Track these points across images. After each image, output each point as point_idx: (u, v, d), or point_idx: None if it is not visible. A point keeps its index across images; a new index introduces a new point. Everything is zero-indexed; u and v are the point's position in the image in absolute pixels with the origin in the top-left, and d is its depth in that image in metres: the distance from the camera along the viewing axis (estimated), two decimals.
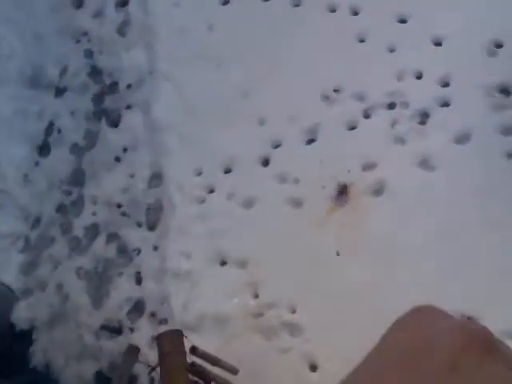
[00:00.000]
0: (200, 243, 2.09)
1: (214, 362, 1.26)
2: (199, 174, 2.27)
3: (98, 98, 2.54)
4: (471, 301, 1.80)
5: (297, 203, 2.16)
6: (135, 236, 2.21)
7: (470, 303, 1.81)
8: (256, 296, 1.98)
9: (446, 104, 2.23)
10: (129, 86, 2.52)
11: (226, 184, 2.31)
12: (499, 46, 2.22)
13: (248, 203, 2.19)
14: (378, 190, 2.15)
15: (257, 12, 2.57)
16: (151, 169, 2.31)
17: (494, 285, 1.80)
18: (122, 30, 2.74)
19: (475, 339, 0.38)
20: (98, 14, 2.80)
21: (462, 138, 2.15)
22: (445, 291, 1.80)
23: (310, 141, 2.31)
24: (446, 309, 0.45)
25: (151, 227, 2.19)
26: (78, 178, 2.35)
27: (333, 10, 2.49)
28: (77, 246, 2.24)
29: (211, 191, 2.31)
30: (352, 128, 2.27)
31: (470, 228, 1.93)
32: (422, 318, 0.42)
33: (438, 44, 2.30)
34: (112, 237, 2.22)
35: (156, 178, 2.30)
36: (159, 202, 2.23)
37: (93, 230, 2.24)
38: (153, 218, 2.20)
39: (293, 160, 2.28)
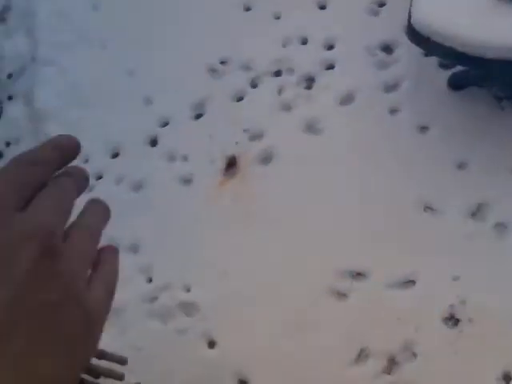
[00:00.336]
0: None
1: (100, 355, 1.36)
2: (86, 160, 2.47)
3: None
4: (357, 256, 2.05)
5: (186, 181, 2.42)
6: None
7: (356, 258, 2.09)
8: (150, 280, 2.13)
9: (331, 67, 2.48)
10: (10, 76, 2.69)
11: (114, 169, 2.52)
12: (382, 4, 2.50)
13: (137, 186, 2.42)
14: (267, 158, 2.39)
15: None
16: None
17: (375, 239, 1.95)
18: (2, 16, 2.86)
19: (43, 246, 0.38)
20: None
21: (347, 99, 2.41)
22: (330, 247, 2.08)
23: (198, 116, 2.55)
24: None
25: None
26: None
27: None
28: None
29: (99, 177, 2.52)
30: (239, 99, 2.52)
31: (345, 191, 2.22)
32: None
33: (323, 8, 2.57)
34: None
35: None
36: None
37: None
38: None
39: (181, 137, 2.51)
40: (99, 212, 0.46)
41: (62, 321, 0.37)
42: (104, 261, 0.44)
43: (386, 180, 2.18)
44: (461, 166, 2.15)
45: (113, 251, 0.46)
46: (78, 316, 0.38)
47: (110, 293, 0.43)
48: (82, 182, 0.46)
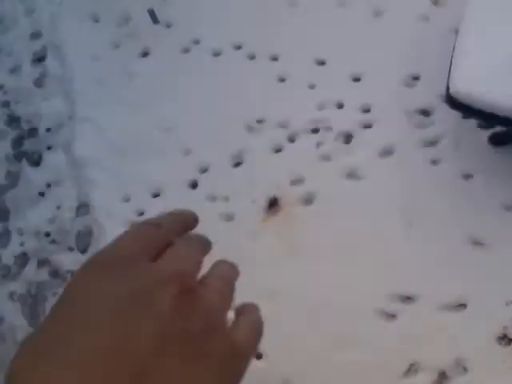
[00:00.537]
0: None
1: None
2: (127, 200, 2.79)
3: (17, 142, 3.05)
4: (407, 281, 2.34)
5: (229, 217, 2.66)
6: (67, 259, 2.63)
7: (406, 284, 2.35)
8: None
9: (368, 126, 2.82)
10: (48, 130, 3.01)
11: (155, 207, 2.75)
12: (416, 78, 2.90)
13: None
14: (308, 200, 2.66)
15: (176, 63, 3.24)
16: (78, 200, 2.75)
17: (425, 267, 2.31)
18: (39, 82, 3.39)
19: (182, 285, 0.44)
20: (15, 70, 3.42)
21: (386, 153, 2.73)
22: (381, 274, 2.34)
23: (237, 164, 2.83)
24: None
25: (83, 251, 2.56)
26: (1, 215, 2.65)
27: (252, 58, 3.05)
28: (7, 274, 2.52)
29: (141, 214, 2.76)
30: (278, 151, 2.83)
31: (393, 229, 2.46)
32: (122, 264, 0.46)
33: (357, 79, 2.97)
34: (43, 262, 2.60)
35: (83, 208, 2.76)
36: (89, 228, 2.65)
37: (22, 258, 2.54)
38: (84, 243, 2.59)
39: (221, 181, 2.79)
40: (228, 267, 0.53)
41: (211, 349, 0.42)
42: (247, 311, 0.51)
43: (434, 219, 2.48)
44: (508, 208, 2.43)
45: (254, 305, 0.52)
46: (226, 348, 0.43)
47: (257, 333, 0.49)
48: (206, 242, 0.56)
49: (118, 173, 2.76)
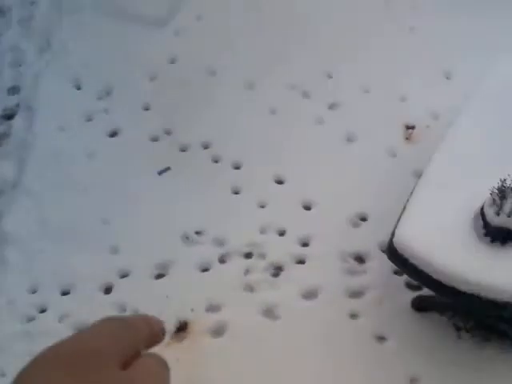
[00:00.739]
0: (18, 362, 2.35)
1: None
2: (34, 291, 2.89)
3: None
4: None
5: None
6: None
7: None
8: None
9: (301, 261, 2.90)
10: None
11: (60, 305, 2.83)
12: (363, 219, 2.94)
13: (81, 327, 2.62)
14: (218, 332, 2.71)
15: (142, 150, 3.36)
16: None
17: None
18: None
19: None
20: None
21: (310, 294, 2.78)
22: None
23: (159, 275, 2.92)
24: None
25: None
26: None
27: (216, 161, 3.07)
28: None
29: (43, 311, 2.83)
30: (205, 270, 2.91)
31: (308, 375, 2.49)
32: (87, 365, 0.47)
33: (308, 208, 3.02)
34: None
35: None
36: None
37: None
38: None
39: (137, 292, 2.85)
40: None
41: None
42: None
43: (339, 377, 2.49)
44: (412, 380, 2.47)
45: None
46: None
47: None
48: (167, 368, 0.57)
49: (36, 258, 2.85)
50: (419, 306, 2.65)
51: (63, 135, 3.43)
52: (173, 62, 3.64)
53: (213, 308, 2.77)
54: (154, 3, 3.79)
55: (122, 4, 3.84)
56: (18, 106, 3.53)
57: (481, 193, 2.20)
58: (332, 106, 3.39)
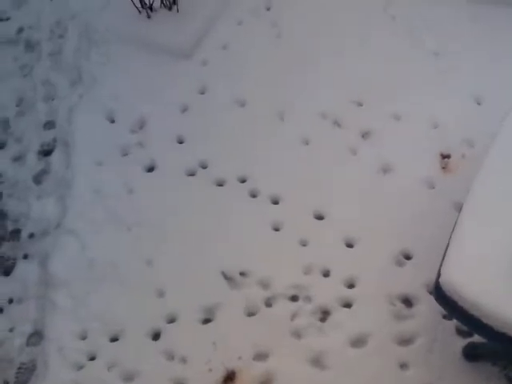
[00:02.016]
0: None
1: None
2: (83, 338, 2.69)
3: None
4: None
5: None
6: None
7: None
8: None
9: (347, 305, 2.68)
10: (31, 236, 2.92)
11: (109, 353, 2.63)
12: (408, 257, 2.75)
13: (129, 377, 2.56)
14: (266, 382, 2.52)
15: (179, 185, 3.13)
16: (34, 325, 2.61)
17: None
18: (38, 178, 3.31)
19: None
20: (18, 159, 3.30)
21: (359, 342, 2.58)
22: None
23: (207, 320, 2.70)
24: None
25: None
26: None
27: (254, 196, 2.89)
28: None
29: (92, 358, 2.63)
30: (251, 314, 2.70)
31: None
32: None
33: (350, 246, 2.83)
34: None
35: (35, 336, 2.68)
36: (34, 362, 2.52)
37: None
38: (23, 379, 2.46)
39: (185, 337, 2.65)
40: None
41: None
42: None
43: None
44: None
45: None
46: None
47: None
48: None
49: (84, 303, 2.66)
50: (470, 354, 2.43)
51: (101, 171, 3.20)
52: (202, 92, 3.41)
53: (260, 356, 2.56)
54: (180, 34, 3.53)
55: (148, 35, 3.63)
56: (55, 140, 3.33)
57: None
58: (364, 135, 3.12)
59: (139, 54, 3.63)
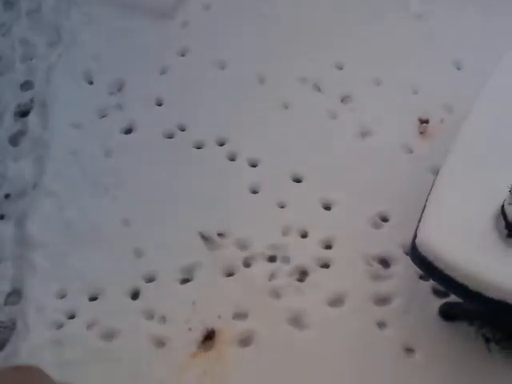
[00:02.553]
0: (48, 371, 2.21)
1: None
2: (62, 296, 2.66)
3: None
4: None
5: (160, 343, 2.53)
6: None
7: None
8: None
9: (325, 265, 2.69)
10: (7, 196, 2.85)
11: (88, 312, 2.61)
12: (385, 219, 2.76)
13: (109, 335, 2.55)
14: (246, 341, 2.51)
15: (157, 147, 3.09)
16: (12, 284, 2.54)
17: None
18: (15, 140, 3.25)
19: None
20: None
21: (337, 301, 2.59)
22: None
23: (185, 280, 2.69)
24: None
25: None
26: None
27: (232, 159, 2.91)
28: None
29: (71, 317, 2.61)
30: (230, 274, 2.69)
31: None
32: None
33: (328, 208, 2.83)
34: None
35: (14, 295, 2.61)
36: (13, 320, 2.47)
37: None
38: (2, 337, 2.46)
39: (163, 297, 2.64)
40: None
41: None
42: None
43: None
44: None
45: None
46: None
47: None
48: None
49: (62, 262, 2.62)
50: (447, 314, 2.45)
51: (79, 132, 3.16)
52: (183, 54, 3.37)
53: (240, 316, 2.56)
54: None
55: None
56: (32, 101, 3.26)
57: (501, 189, 1.96)
58: (344, 100, 3.12)
59: (120, 15, 3.57)
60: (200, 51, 3.40)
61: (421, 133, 3.00)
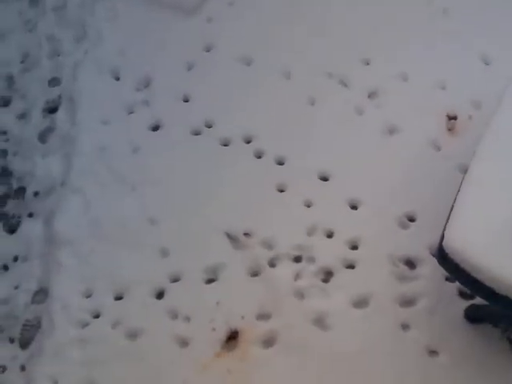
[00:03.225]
0: (71, 370, 2.30)
1: None
2: (88, 296, 2.66)
3: (1, 201, 2.79)
4: None
5: (184, 343, 2.52)
6: (4, 352, 2.55)
7: None
8: None
9: (350, 266, 2.64)
10: (36, 194, 2.88)
11: (113, 311, 2.61)
12: (412, 219, 2.71)
13: (133, 334, 2.55)
14: (269, 342, 2.49)
15: (184, 144, 3.05)
16: (38, 283, 2.59)
17: None
18: (43, 136, 3.23)
19: None
20: (23, 116, 3.27)
21: (361, 303, 2.55)
22: None
23: (210, 280, 2.66)
24: None
25: (24, 345, 2.42)
26: None
27: (259, 157, 2.86)
28: None
29: (96, 316, 2.61)
30: (255, 275, 2.66)
31: None
32: None
33: (354, 207, 2.78)
34: None
35: (41, 294, 2.65)
36: (39, 319, 2.46)
37: None
38: (28, 336, 2.42)
39: (188, 297, 2.62)
40: None
41: None
42: None
43: None
44: None
45: None
46: None
47: None
48: None
49: (88, 260, 2.62)
50: (472, 316, 2.40)
51: (106, 129, 3.13)
52: (208, 50, 3.31)
53: (263, 316, 2.54)
54: None
55: None
56: (60, 97, 3.24)
57: None
58: (371, 95, 3.07)
59: (144, 10, 3.53)
60: (225, 47, 3.34)
61: (449, 129, 2.92)
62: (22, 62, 3.48)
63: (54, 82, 3.44)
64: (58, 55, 3.51)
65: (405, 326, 2.47)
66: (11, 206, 2.96)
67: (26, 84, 3.41)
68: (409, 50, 3.26)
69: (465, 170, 2.20)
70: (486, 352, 2.33)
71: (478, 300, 2.28)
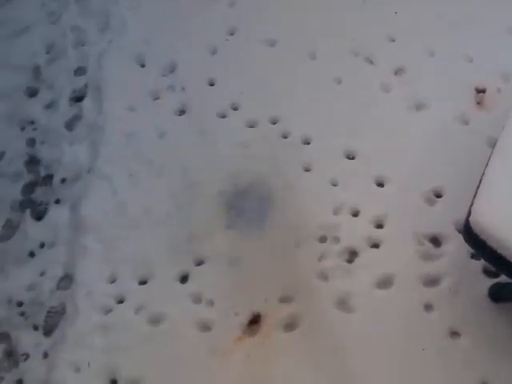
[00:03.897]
0: (94, 356, 2.19)
1: None
2: (113, 281, 2.61)
3: (29, 188, 2.94)
4: None
5: (206, 327, 2.46)
6: (28, 339, 2.51)
7: None
8: None
9: (375, 245, 2.54)
10: (63, 181, 2.87)
11: (137, 296, 2.56)
12: (439, 195, 2.60)
13: (156, 319, 2.49)
14: (291, 325, 2.40)
15: (211, 127, 2.99)
16: (64, 269, 2.51)
17: None
18: (70, 124, 3.19)
19: None
20: (50, 106, 3.24)
21: (385, 283, 2.44)
22: None
23: (233, 263, 2.58)
24: None
25: (47, 332, 2.41)
26: None
27: (285, 137, 2.86)
28: None
29: (120, 301, 2.57)
30: (279, 256, 2.57)
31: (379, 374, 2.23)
32: None
33: (381, 185, 2.68)
34: (2, 337, 2.30)
35: (66, 280, 2.63)
36: (63, 305, 2.42)
37: None
38: (52, 323, 2.41)
39: (212, 281, 2.55)
40: None
41: None
42: None
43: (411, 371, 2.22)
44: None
45: None
46: None
47: None
48: None
49: (114, 246, 2.56)
50: (496, 295, 2.27)
51: (133, 115, 3.08)
52: (232, 33, 3.22)
53: (286, 298, 2.45)
54: None
55: None
56: (86, 86, 3.19)
57: None
58: (397, 72, 2.92)
59: None
60: (249, 30, 3.26)
61: (477, 103, 2.78)
62: (48, 52, 3.45)
63: (79, 71, 3.39)
64: (83, 45, 3.47)
65: (428, 307, 2.36)
66: (39, 194, 2.94)
67: (53, 74, 3.38)
68: (433, 24, 3.09)
69: (493, 144, 2.06)
70: (509, 333, 2.20)
71: (503, 278, 2.16)
